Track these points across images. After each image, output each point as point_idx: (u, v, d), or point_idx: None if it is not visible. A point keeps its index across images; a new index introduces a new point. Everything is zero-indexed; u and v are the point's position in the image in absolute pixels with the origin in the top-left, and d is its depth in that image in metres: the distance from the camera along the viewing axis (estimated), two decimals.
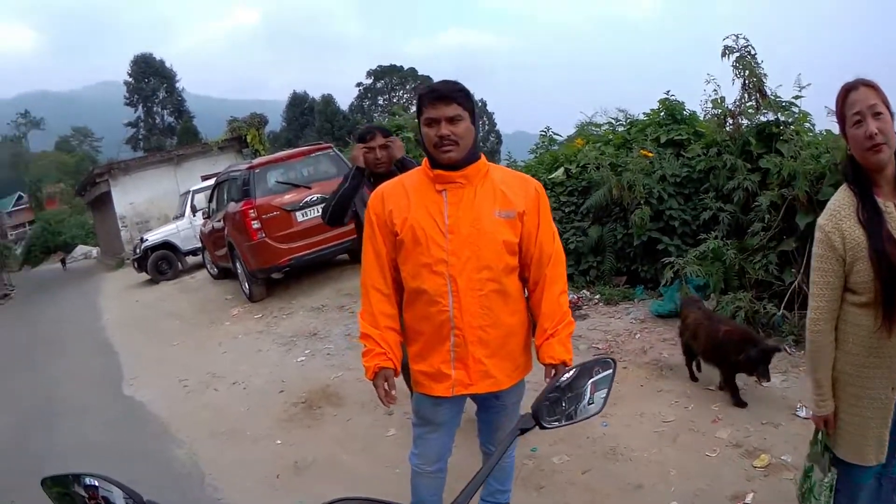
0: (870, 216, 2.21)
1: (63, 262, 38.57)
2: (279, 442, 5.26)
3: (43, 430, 7.12)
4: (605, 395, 1.74)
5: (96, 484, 1.52)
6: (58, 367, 10.16)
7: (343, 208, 4.16)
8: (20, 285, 31.55)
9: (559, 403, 1.67)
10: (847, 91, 2.23)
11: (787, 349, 5.12)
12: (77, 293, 20.93)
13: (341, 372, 6.48)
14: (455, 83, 2.54)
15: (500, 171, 2.72)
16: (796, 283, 5.50)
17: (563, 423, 1.69)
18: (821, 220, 2.33)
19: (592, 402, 1.72)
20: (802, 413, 4.15)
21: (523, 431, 1.58)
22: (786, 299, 5.60)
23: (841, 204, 2.30)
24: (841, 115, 2.26)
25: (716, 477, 3.70)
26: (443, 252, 2.54)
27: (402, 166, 3.90)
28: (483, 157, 2.62)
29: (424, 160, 2.64)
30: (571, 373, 1.71)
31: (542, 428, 1.62)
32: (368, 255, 2.72)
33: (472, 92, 2.56)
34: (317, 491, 4.34)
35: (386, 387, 2.63)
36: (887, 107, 2.19)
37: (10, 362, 11.79)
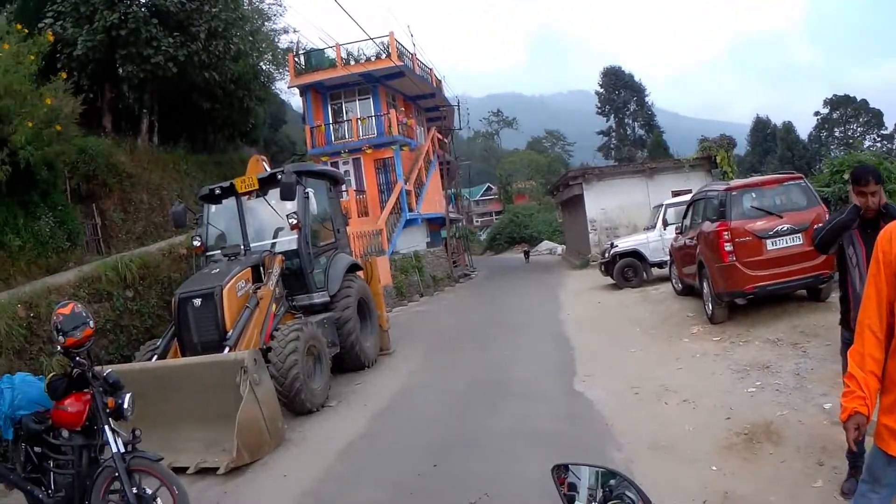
0: None
1: (526, 253, 41.54)
2: (714, 468, 5.30)
3: (486, 405, 8.02)
4: None
5: (569, 467, 1.82)
6: (512, 350, 11.25)
7: (834, 237, 4.39)
8: (482, 268, 35.00)
9: None
10: None
11: None
12: (538, 285, 22.55)
13: (786, 410, 6.29)
14: None
15: None
16: None
17: None
18: None
19: None
20: None
21: None
22: None
23: None
24: None
25: None
26: None
27: (886, 212, 4.01)
28: None
29: None
30: None
31: None
32: (870, 294, 2.69)
33: None
34: None
35: (857, 432, 2.59)
36: None
37: (465, 337, 13.33)
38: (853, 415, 2.57)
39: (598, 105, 78.10)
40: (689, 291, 13.17)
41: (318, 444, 7.27)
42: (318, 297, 10.12)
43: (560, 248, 42.54)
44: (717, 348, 9.23)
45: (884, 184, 4.52)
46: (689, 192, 15.03)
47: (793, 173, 11.10)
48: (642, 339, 10.82)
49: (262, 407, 6.95)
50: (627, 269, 17.80)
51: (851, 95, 71.85)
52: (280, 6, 31.37)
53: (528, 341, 12.00)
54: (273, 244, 9.93)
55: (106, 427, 4.88)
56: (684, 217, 13.19)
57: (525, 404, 7.88)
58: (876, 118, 69.45)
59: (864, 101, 70.63)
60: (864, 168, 4.32)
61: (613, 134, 76.88)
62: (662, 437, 6.18)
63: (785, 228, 9.64)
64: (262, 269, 9.16)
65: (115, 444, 4.83)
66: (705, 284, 10.87)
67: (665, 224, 17.36)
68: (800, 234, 9.46)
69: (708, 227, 10.66)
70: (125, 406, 4.96)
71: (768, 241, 9.74)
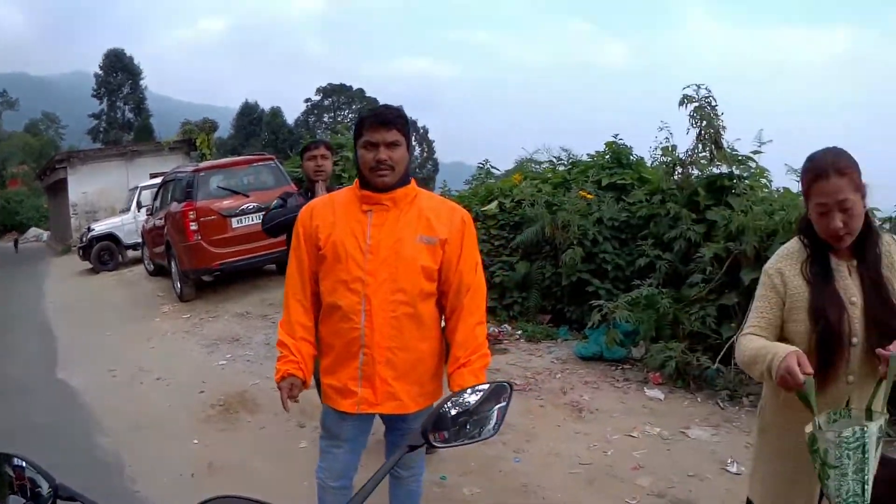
0: (818, 272, 2.14)
1: (16, 242, 37.89)
2: (196, 441, 5.36)
3: None
4: (497, 419, 1.69)
5: (24, 465, 1.57)
6: None
7: (288, 227, 4.17)
8: None
9: (454, 423, 1.64)
10: (815, 178, 2.09)
11: (721, 404, 5.16)
12: (24, 274, 20.80)
13: (258, 380, 6.53)
14: (397, 109, 2.63)
15: (429, 197, 2.77)
16: (735, 337, 4.70)
17: (453, 443, 1.65)
18: (767, 265, 2.29)
19: (487, 425, 1.67)
20: (734, 468, 4.09)
21: (412, 448, 1.58)
22: (722, 353, 5.41)
23: (789, 251, 2.25)
24: (806, 193, 2.16)
25: None
26: (360, 271, 2.56)
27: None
28: (413, 183, 2.67)
29: (356, 180, 2.68)
30: (466, 394, 1.68)
31: (431, 446, 1.61)
32: (292, 267, 2.76)
33: (412, 119, 2.76)
34: (228, 493, 4.55)
35: (288, 393, 2.65)
36: (859, 189, 2.06)
37: None
38: (286, 377, 2.66)
39: (95, 88, 73.27)
40: (160, 271, 13.14)
41: None
42: None
43: (46, 235, 39.42)
44: (187, 325, 9.39)
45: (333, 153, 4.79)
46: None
47: (264, 155, 11.80)
48: (117, 322, 10.52)
49: None
50: (104, 253, 17.19)
51: (348, 84, 76.39)
52: None
53: (13, 332, 10.93)
54: None
55: None
56: (155, 198, 13.16)
57: (16, 399, 7.20)
58: (370, 105, 74.58)
59: (361, 90, 75.58)
60: (316, 139, 4.81)
61: (104, 117, 72.72)
62: (143, 417, 6.07)
63: (251, 207, 10.11)
64: None
65: None
66: (173, 264, 10.97)
67: (139, 206, 17.12)
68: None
69: (175, 207, 10.73)
70: None
71: (234, 220, 10.16)
